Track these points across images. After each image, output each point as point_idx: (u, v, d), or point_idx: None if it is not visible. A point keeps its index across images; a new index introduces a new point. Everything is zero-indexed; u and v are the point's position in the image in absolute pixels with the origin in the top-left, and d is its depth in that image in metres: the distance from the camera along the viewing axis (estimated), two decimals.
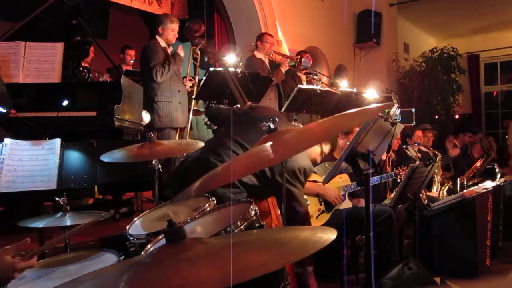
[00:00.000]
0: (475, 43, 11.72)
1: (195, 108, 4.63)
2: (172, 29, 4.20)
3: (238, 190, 2.37)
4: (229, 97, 3.74)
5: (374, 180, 3.43)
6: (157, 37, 4.22)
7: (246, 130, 2.47)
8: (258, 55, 5.07)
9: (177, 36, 4.30)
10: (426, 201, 3.87)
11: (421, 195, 3.54)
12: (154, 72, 3.98)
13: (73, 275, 1.63)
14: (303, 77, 5.61)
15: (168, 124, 4.16)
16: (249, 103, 3.35)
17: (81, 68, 3.59)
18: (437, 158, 4.46)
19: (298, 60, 5.38)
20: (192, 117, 4.61)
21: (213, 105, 4.08)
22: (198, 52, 4.43)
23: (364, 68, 8.96)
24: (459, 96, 10.54)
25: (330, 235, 0.95)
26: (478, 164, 6.01)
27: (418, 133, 5.08)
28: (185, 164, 2.71)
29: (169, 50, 4.29)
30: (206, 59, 3.74)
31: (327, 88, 4.96)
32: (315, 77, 5.40)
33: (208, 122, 4.57)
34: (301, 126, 1.52)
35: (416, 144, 4.88)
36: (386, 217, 3.11)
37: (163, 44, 4.20)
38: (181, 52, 4.20)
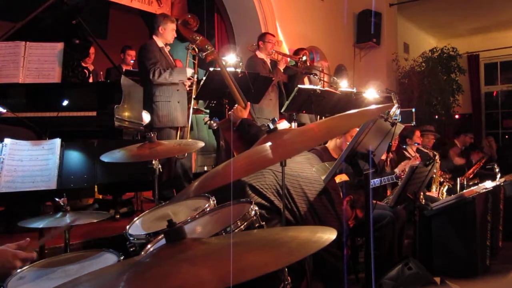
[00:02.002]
0: (475, 43, 11.72)
1: (195, 107, 4.61)
2: (172, 29, 4.21)
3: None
4: (229, 97, 3.73)
5: (374, 182, 3.42)
6: (154, 37, 4.22)
7: None
8: (260, 55, 5.06)
9: (175, 35, 4.31)
10: (423, 201, 3.87)
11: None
12: (151, 71, 3.99)
13: (73, 275, 1.63)
14: (306, 79, 5.61)
15: (168, 124, 4.16)
16: (248, 104, 3.32)
17: (81, 68, 3.59)
18: (436, 158, 4.46)
19: (299, 58, 5.36)
20: (192, 116, 4.59)
21: (213, 104, 4.07)
22: (196, 49, 4.40)
23: (364, 68, 8.96)
24: (459, 96, 10.53)
25: (330, 235, 0.95)
26: (477, 165, 6.02)
27: (417, 133, 5.09)
28: None
29: (167, 49, 4.29)
30: (204, 57, 3.71)
31: (327, 88, 4.96)
32: (315, 77, 5.39)
33: (209, 122, 4.56)
34: None
35: (415, 144, 4.88)
36: (386, 223, 3.11)
37: (160, 44, 4.21)
38: (189, 71, 4.21)
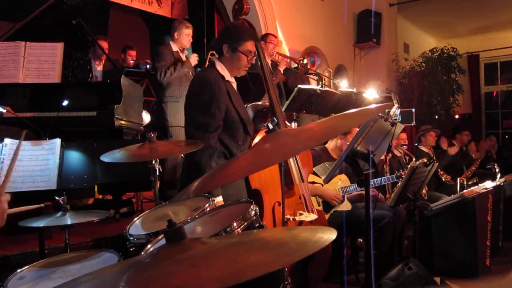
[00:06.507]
0: (475, 43, 11.72)
1: None
2: (187, 34, 4.39)
3: None
4: None
5: (375, 182, 3.43)
6: (170, 42, 4.41)
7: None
8: None
9: (191, 40, 4.50)
10: (426, 197, 3.88)
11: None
12: (159, 73, 4.18)
13: (73, 275, 1.63)
14: (313, 81, 5.60)
15: (177, 123, 4.30)
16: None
17: (81, 68, 3.60)
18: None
19: (300, 61, 5.36)
20: None
21: None
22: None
23: (364, 68, 8.96)
24: (459, 96, 10.53)
25: (330, 235, 0.95)
26: (475, 164, 6.03)
27: (403, 135, 5.20)
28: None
29: (183, 54, 4.45)
30: None
31: (327, 88, 4.95)
32: (315, 77, 5.39)
33: None
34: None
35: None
36: (386, 223, 3.11)
37: (175, 48, 4.38)
38: (193, 60, 4.40)
